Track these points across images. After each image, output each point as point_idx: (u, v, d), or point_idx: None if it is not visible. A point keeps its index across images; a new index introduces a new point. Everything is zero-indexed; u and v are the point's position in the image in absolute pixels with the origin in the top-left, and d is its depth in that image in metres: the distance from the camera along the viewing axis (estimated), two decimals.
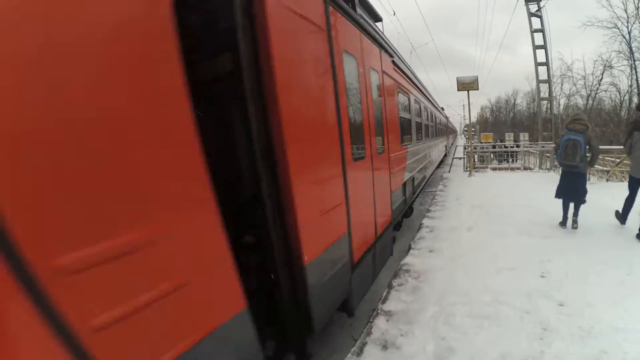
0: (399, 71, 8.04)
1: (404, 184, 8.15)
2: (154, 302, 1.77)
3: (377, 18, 7.08)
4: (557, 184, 7.91)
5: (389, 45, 7.30)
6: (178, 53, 1.90)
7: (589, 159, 7.36)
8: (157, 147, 1.81)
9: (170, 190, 1.89)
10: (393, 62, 7.21)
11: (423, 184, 12.65)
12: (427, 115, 14.04)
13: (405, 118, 8.62)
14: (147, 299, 1.74)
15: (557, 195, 7.86)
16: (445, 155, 27.83)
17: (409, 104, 9.41)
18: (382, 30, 7.32)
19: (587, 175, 8.39)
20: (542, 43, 23.13)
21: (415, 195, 10.71)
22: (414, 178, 9.70)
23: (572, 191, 7.57)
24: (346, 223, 4.06)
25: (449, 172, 20.09)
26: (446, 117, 33.06)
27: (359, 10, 5.29)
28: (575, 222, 7.67)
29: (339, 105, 3.90)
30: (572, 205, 7.75)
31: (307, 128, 3.31)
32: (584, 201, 7.56)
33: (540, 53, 23.27)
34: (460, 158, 23.07)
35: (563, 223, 7.87)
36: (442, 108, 29.89)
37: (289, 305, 3.26)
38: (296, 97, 3.13)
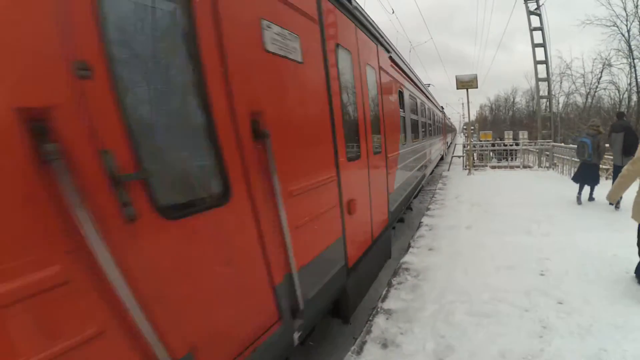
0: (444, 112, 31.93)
1: (443, 146, 26.39)
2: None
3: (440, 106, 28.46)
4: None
5: (439, 105, 26.15)
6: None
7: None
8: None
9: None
10: (443, 109, 31.07)
11: (448, 146, 35.13)
12: (446, 124, 33.47)
13: (442, 125, 25.23)
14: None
15: (574, 180, 10.45)
16: (450, 143, 43.79)
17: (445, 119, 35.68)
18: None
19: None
20: (541, 41, 23.10)
21: (448, 148, 33.24)
22: (447, 143, 34.66)
23: (587, 177, 9.96)
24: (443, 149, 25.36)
25: (448, 170, 20.10)
26: (451, 124, 52.95)
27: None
28: (591, 198, 10.02)
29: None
30: (587, 188, 10.07)
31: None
32: (597, 182, 9.95)
33: (539, 51, 23.24)
34: (459, 156, 23.13)
35: (578, 201, 9.88)
36: (449, 118, 49.28)
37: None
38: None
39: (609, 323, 3.98)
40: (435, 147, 18.00)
